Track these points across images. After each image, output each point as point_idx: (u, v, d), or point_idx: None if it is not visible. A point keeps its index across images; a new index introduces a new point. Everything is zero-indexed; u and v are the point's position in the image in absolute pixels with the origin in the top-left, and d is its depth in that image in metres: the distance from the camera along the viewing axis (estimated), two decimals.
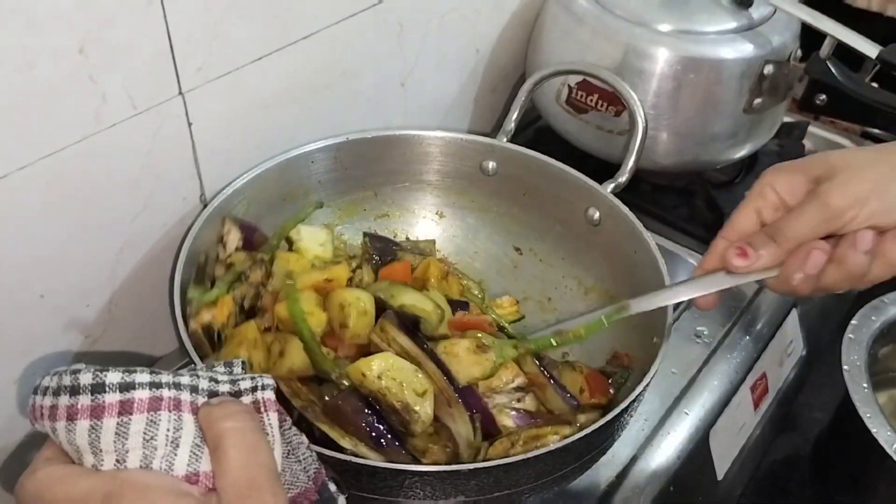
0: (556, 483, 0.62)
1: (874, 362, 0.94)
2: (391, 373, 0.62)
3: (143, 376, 0.44)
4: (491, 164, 0.85)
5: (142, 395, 0.43)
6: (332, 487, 0.49)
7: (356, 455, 0.58)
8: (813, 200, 0.60)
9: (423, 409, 0.61)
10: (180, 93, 0.69)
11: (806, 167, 0.63)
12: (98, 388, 0.43)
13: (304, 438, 0.50)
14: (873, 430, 0.83)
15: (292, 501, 0.47)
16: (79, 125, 0.63)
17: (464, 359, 0.66)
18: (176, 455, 0.44)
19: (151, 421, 0.43)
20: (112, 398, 0.43)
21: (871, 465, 0.89)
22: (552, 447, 0.56)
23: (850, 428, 0.86)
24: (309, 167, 0.82)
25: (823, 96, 0.93)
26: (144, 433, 0.43)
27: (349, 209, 0.87)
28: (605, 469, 0.76)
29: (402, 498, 0.57)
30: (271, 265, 0.76)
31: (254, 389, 0.48)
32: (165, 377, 0.45)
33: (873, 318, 0.96)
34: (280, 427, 0.48)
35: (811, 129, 1.16)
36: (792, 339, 0.98)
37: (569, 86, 0.98)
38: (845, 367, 0.90)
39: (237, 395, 0.48)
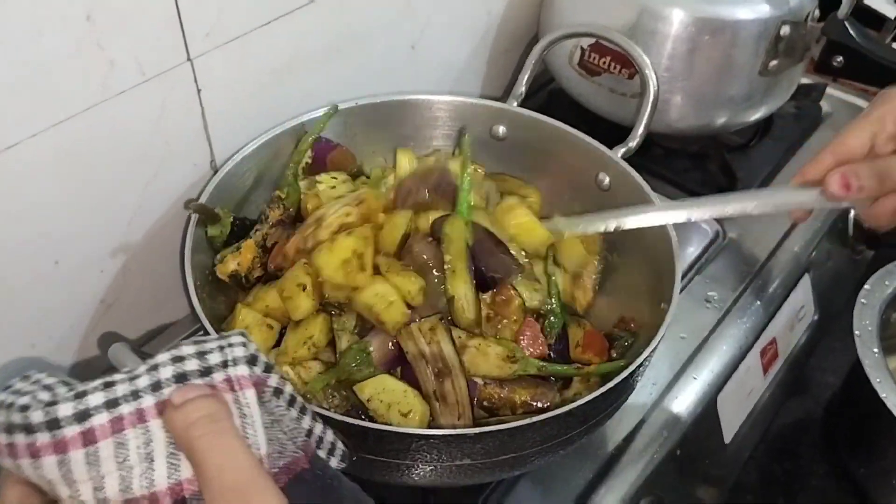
0: (562, 447, 0.62)
1: (886, 326, 0.93)
2: (381, 395, 0.64)
3: (96, 397, 0.41)
4: (501, 129, 0.84)
5: (100, 420, 0.41)
6: (323, 455, 0.48)
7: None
8: None
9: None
10: (189, 59, 0.69)
11: None
12: (53, 425, 0.40)
13: (288, 408, 0.47)
14: (883, 396, 0.83)
15: (283, 469, 0.45)
16: (88, 93, 0.63)
17: (492, 361, 0.67)
18: (154, 470, 0.41)
19: (119, 443, 0.41)
20: (71, 431, 0.40)
21: (881, 430, 0.89)
22: (557, 412, 0.57)
23: (861, 393, 0.86)
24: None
25: (841, 58, 0.92)
26: (115, 457, 0.41)
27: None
28: (612, 433, 0.77)
29: (408, 461, 0.58)
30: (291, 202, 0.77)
31: (224, 365, 0.44)
32: (121, 387, 0.42)
33: (886, 282, 0.95)
34: (260, 399, 0.44)
35: (829, 90, 1.14)
36: (804, 303, 0.98)
37: (581, 48, 0.97)
38: (857, 332, 0.90)
39: (207, 372, 0.43)
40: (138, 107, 0.67)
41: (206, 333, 0.62)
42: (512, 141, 0.84)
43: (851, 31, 0.90)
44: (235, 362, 0.43)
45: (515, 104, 0.85)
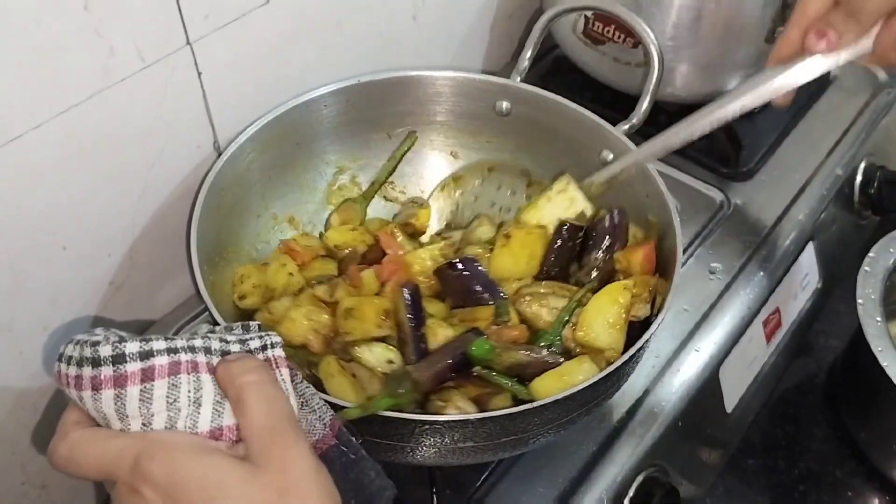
0: (563, 427, 0.64)
1: (891, 292, 0.94)
2: None
3: (159, 343, 0.46)
4: (504, 105, 0.84)
5: (161, 361, 0.46)
6: (349, 434, 0.52)
7: None
8: None
9: None
10: (188, 42, 0.69)
11: None
12: (119, 359, 0.45)
13: (315, 390, 0.52)
14: (885, 365, 0.84)
15: (313, 446, 0.50)
16: (89, 81, 0.63)
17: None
18: (199, 414, 0.46)
19: (172, 384, 0.46)
20: (133, 367, 0.45)
21: (882, 396, 0.90)
22: (558, 396, 0.58)
23: (863, 360, 0.87)
24: (321, 111, 0.81)
25: None
26: (167, 397, 0.46)
27: (363, 152, 0.87)
28: (615, 405, 0.78)
29: (412, 444, 0.60)
30: None
31: (263, 348, 0.50)
32: (180, 342, 0.47)
33: (891, 249, 0.95)
34: (292, 381, 0.50)
35: None
36: (808, 272, 0.98)
37: (586, 16, 0.95)
38: (860, 300, 0.90)
39: (248, 351, 0.50)
40: (140, 93, 0.67)
41: (211, 315, 0.64)
42: (516, 116, 0.84)
43: None
44: (273, 346, 0.50)
45: (519, 79, 0.84)
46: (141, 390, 0.45)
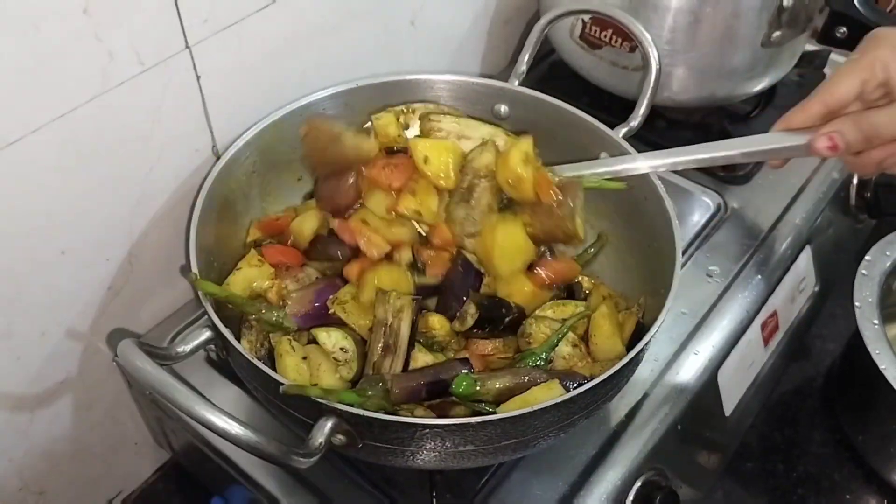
0: (563, 430, 0.63)
1: (888, 295, 0.94)
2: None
3: None
4: (503, 108, 0.84)
5: None
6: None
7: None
8: None
9: None
10: (187, 46, 0.69)
11: None
12: None
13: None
14: (882, 368, 0.85)
15: None
16: (88, 85, 0.63)
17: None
18: None
19: None
20: None
21: (879, 399, 0.90)
22: (558, 399, 0.58)
23: (860, 363, 0.87)
24: (320, 115, 0.81)
25: (844, 29, 0.91)
26: None
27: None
28: (615, 409, 0.78)
29: (412, 448, 0.59)
30: None
31: None
32: None
33: (887, 252, 0.96)
34: None
35: (833, 56, 1.12)
36: (805, 275, 0.99)
37: (583, 21, 0.96)
38: (857, 303, 0.91)
39: None
40: (139, 97, 0.67)
41: (210, 318, 0.63)
42: (514, 120, 0.84)
43: (855, 2, 0.89)
44: None
45: (517, 83, 0.84)
46: None
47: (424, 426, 0.57)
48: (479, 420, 0.57)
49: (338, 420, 0.56)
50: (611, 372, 0.60)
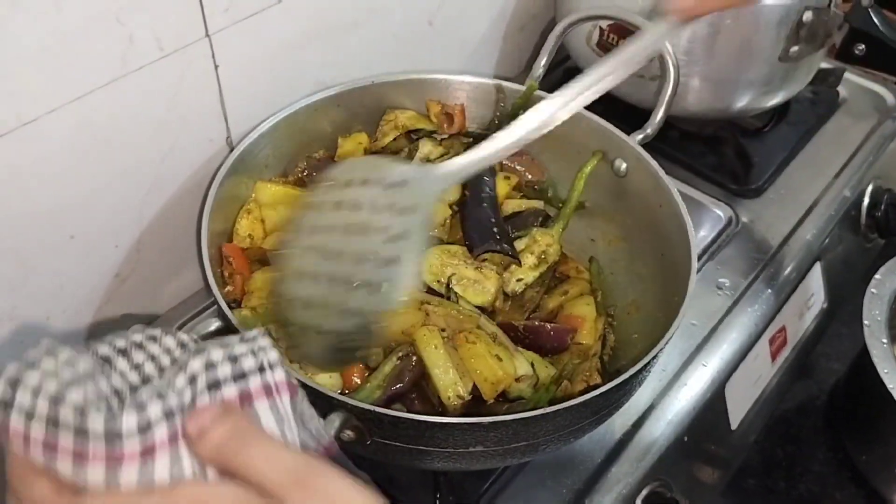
0: (574, 435, 0.63)
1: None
2: None
3: (154, 407, 0.39)
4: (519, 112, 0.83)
5: (160, 432, 0.39)
6: (344, 457, 0.47)
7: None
8: None
9: None
10: (207, 35, 0.68)
11: None
12: (112, 437, 0.38)
13: (314, 411, 0.46)
14: (890, 387, 0.84)
15: None
16: (106, 68, 0.63)
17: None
18: (205, 477, 0.40)
19: (175, 456, 0.39)
20: (131, 447, 0.38)
21: (886, 418, 0.90)
22: (571, 403, 0.57)
23: (867, 382, 0.87)
24: (335, 110, 0.81)
25: (863, 46, 0.91)
26: (171, 469, 0.39)
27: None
28: (620, 418, 0.77)
29: (422, 446, 0.59)
30: None
31: (261, 370, 0.43)
32: (173, 400, 0.40)
33: None
34: (292, 402, 0.44)
35: (847, 75, 1.12)
36: (814, 291, 0.98)
37: (600, 28, 0.95)
38: (866, 322, 0.90)
39: (241, 377, 0.42)
40: (156, 82, 0.67)
41: (220, 309, 0.63)
42: None
43: (875, 20, 0.89)
44: (272, 367, 0.43)
45: None
46: (140, 469, 0.39)
47: (434, 424, 0.56)
48: (491, 420, 0.56)
49: (347, 415, 0.55)
50: (625, 377, 0.59)
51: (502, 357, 0.67)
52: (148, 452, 0.38)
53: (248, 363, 0.42)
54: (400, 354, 0.67)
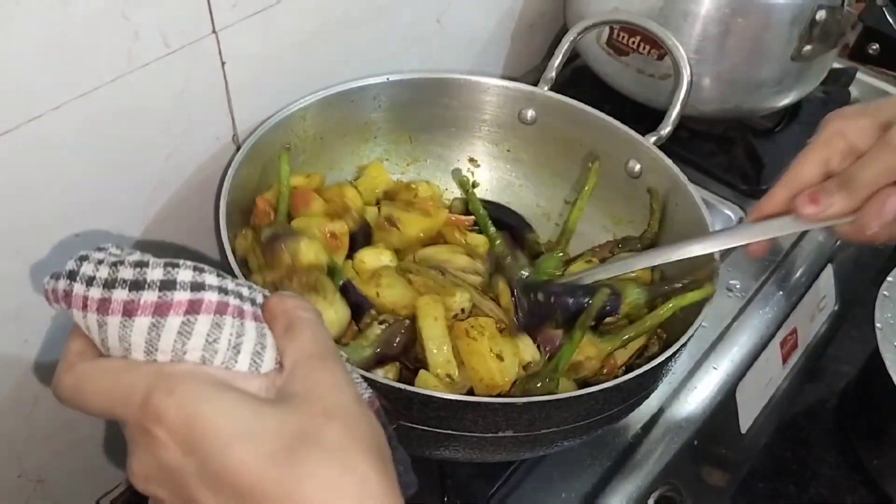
0: (600, 425, 0.62)
1: None
2: None
3: (212, 278, 0.43)
4: (530, 113, 0.83)
5: (210, 296, 0.42)
6: (384, 417, 0.48)
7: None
8: (885, 146, 0.57)
9: None
10: (214, 31, 0.67)
11: (875, 112, 0.60)
12: (168, 285, 0.41)
13: (357, 372, 0.49)
14: None
15: None
16: (112, 64, 0.62)
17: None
18: (236, 361, 0.42)
19: (216, 324, 0.41)
20: (182, 296, 0.40)
21: None
22: (604, 386, 0.57)
23: (878, 384, 0.86)
24: (345, 108, 0.80)
25: (877, 45, 0.90)
26: (208, 335, 0.41)
27: (382, 154, 0.85)
28: (630, 421, 0.77)
29: (452, 430, 0.58)
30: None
31: None
32: (231, 284, 0.43)
33: None
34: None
35: (859, 75, 1.11)
36: (825, 294, 0.97)
37: (610, 27, 0.95)
38: (878, 325, 0.89)
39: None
40: (162, 79, 0.66)
41: None
42: (541, 125, 0.83)
43: (889, 19, 0.88)
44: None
45: (546, 88, 0.83)
46: (183, 322, 0.40)
47: (467, 404, 0.55)
48: (525, 400, 0.55)
49: (374, 394, 0.54)
50: (660, 360, 0.59)
51: (505, 356, 0.65)
52: (195, 307, 0.41)
53: None
54: (390, 321, 0.67)
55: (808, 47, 0.91)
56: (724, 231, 0.68)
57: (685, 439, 0.78)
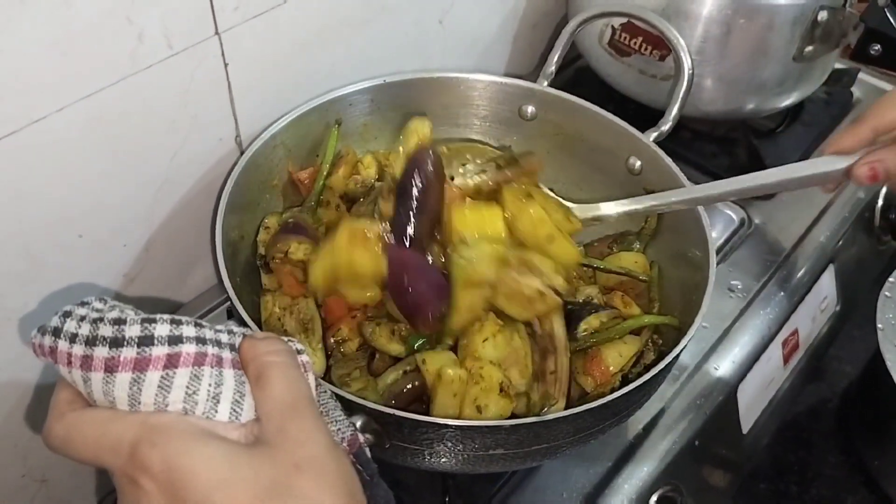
0: (593, 437, 0.62)
1: None
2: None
3: (189, 329, 0.44)
4: (530, 109, 0.83)
5: (188, 349, 0.43)
6: (368, 453, 0.49)
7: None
8: None
9: None
10: (216, 33, 0.68)
11: None
12: (146, 341, 0.42)
13: (337, 402, 0.50)
14: None
15: None
16: (116, 66, 0.62)
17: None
18: (216, 410, 0.43)
19: (195, 375, 0.43)
20: (159, 351, 0.42)
21: None
22: (592, 405, 0.57)
23: (879, 385, 0.86)
24: (346, 109, 0.80)
25: (878, 46, 0.89)
26: (187, 387, 0.43)
27: (386, 153, 0.86)
28: (632, 422, 0.77)
29: (441, 448, 0.58)
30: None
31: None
32: (210, 333, 0.45)
33: None
34: (316, 390, 0.48)
35: (861, 76, 1.11)
36: (827, 294, 0.97)
37: (612, 27, 0.95)
38: (880, 325, 0.90)
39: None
40: (166, 80, 0.66)
41: (234, 307, 0.62)
42: (541, 121, 0.83)
43: (891, 19, 0.88)
44: (300, 352, 0.47)
45: (546, 83, 0.83)
46: (162, 377, 0.42)
47: (454, 427, 0.55)
48: (513, 423, 0.56)
49: (367, 419, 0.55)
50: (646, 378, 0.59)
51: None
52: (173, 361, 0.42)
53: None
54: (407, 369, 0.66)
55: (809, 48, 0.91)
56: (797, 166, 0.67)
57: (686, 439, 0.78)
